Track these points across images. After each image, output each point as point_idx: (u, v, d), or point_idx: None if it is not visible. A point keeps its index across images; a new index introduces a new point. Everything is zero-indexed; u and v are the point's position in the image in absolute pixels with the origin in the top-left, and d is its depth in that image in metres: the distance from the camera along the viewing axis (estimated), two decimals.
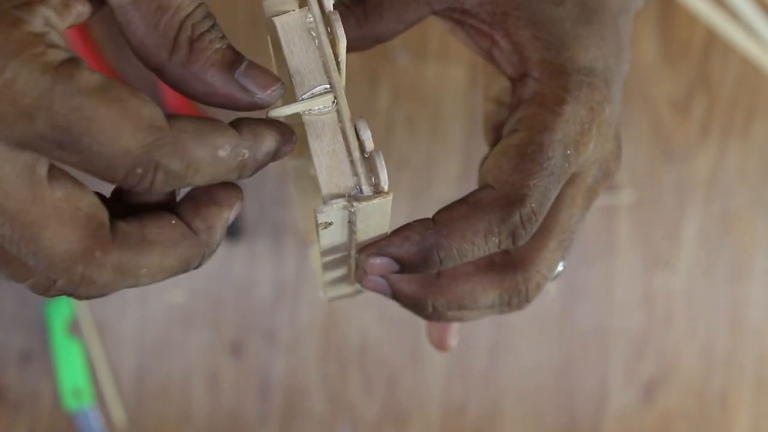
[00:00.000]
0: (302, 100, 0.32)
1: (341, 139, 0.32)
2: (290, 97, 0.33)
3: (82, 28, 0.71)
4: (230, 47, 0.30)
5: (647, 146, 0.77)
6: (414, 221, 0.34)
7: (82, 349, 0.74)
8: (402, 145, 0.76)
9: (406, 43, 0.76)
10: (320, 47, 0.32)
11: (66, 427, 0.74)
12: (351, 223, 0.33)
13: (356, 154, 0.31)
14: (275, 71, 0.37)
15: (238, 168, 0.30)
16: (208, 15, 0.30)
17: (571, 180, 0.35)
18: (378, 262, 0.34)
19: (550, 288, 0.77)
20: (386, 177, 0.31)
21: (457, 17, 0.36)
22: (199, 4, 0.30)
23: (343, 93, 0.32)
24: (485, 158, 0.42)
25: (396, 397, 0.76)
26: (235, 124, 0.30)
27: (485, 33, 0.36)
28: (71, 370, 0.73)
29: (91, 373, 0.74)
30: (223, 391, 0.75)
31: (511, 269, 0.36)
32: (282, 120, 0.32)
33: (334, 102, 0.32)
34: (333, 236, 0.34)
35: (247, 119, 0.30)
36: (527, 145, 0.33)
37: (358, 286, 0.43)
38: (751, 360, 0.79)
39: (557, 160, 0.33)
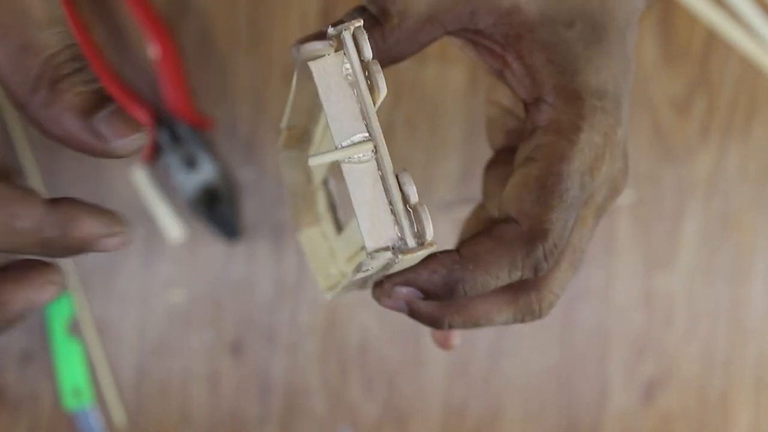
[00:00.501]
0: (342, 148, 0.31)
1: (381, 187, 0.31)
2: (327, 144, 0.32)
3: (84, 29, 0.71)
4: (96, 92, 0.29)
5: (647, 146, 0.77)
6: (440, 253, 0.34)
7: (82, 349, 0.74)
8: (402, 145, 0.76)
9: None
10: (359, 95, 0.32)
11: (66, 427, 0.74)
12: (389, 266, 0.33)
13: (399, 206, 0.31)
14: (289, 107, 0.36)
15: (42, 245, 0.29)
16: (77, 57, 0.29)
17: (583, 201, 0.36)
18: (404, 291, 0.35)
19: None
20: (431, 230, 0.31)
21: (470, 37, 0.37)
22: (68, 46, 0.29)
23: (384, 143, 0.31)
24: (490, 162, 0.42)
25: (396, 397, 0.76)
26: (55, 202, 0.29)
27: (497, 54, 0.36)
28: (71, 370, 0.74)
29: (91, 373, 0.74)
30: (223, 391, 0.75)
31: (525, 290, 0.37)
32: (319, 166, 0.32)
33: (374, 151, 0.31)
34: (367, 273, 0.34)
35: (71, 200, 0.30)
36: (547, 177, 0.34)
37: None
38: (751, 360, 0.79)
39: (575, 190, 0.34)
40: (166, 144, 0.73)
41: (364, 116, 0.32)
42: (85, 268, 0.74)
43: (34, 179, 0.73)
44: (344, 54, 0.32)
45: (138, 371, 0.75)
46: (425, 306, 0.37)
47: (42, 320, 0.74)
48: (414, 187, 0.31)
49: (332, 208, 0.45)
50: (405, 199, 0.31)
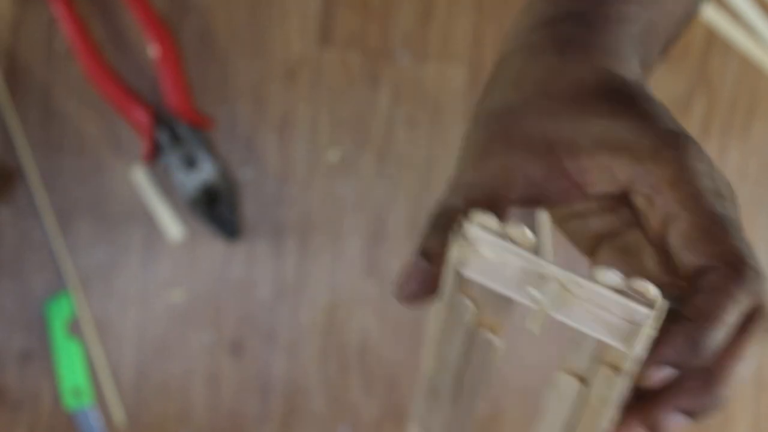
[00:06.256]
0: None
1: (592, 310, 0.33)
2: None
3: (84, 29, 0.71)
4: None
5: None
6: (665, 346, 0.33)
7: (82, 349, 0.74)
8: (402, 145, 0.76)
9: (406, 43, 0.76)
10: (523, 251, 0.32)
11: (66, 427, 0.74)
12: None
13: (615, 296, 0.32)
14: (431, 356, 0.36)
15: None
16: None
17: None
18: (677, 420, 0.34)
19: None
20: (653, 286, 0.30)
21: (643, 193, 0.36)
22: None
23: (570, 276, 0.32)
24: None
25: (396, 397, 0.76)
26: None
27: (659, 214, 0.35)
28: (71, 370, 0.74)
29: (91, 373, 0.74)
30: (223, 391, 0.75)
31: None
32: None
33: (562, 287, 0.32)
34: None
35: None
36: (700, 222, 0.33)
37: None
38: None
39: (719, 206, 0.33)
40: (166, 144, 0.73)
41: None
42: (85, 268, 0.74)
43: (34, 179, 0.73)
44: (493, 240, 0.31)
45: (138, 371, 0.75)
46: None
47: (42, 320, 0.74)
48: (612, 271, 0.31)
49: None
50: (616, 288, 0.31)
